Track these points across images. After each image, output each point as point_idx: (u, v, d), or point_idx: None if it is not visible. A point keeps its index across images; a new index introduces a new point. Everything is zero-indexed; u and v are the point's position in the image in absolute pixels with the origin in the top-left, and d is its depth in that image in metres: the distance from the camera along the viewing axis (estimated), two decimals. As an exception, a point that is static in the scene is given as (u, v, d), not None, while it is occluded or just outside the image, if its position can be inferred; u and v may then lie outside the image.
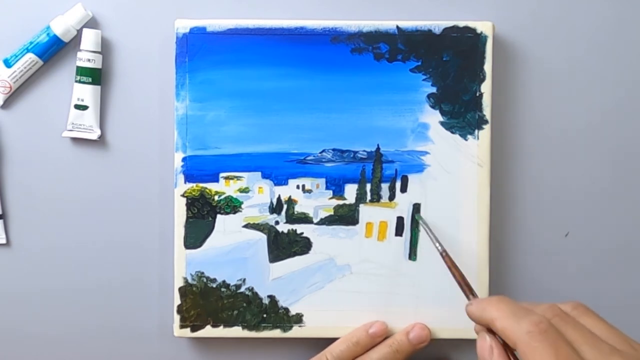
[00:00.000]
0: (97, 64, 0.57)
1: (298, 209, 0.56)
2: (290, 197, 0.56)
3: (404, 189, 0.57)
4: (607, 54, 0.59)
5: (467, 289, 0.46)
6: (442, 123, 0.56)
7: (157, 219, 0.58)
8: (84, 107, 0.57)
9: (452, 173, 0.56)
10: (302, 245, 0.57)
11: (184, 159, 0.56)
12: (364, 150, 0.56)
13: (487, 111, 0.56)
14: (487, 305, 0.37)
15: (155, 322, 0.59)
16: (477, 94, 0.56)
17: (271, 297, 0.56)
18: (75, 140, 0.58)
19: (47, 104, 0.58)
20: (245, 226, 0.57)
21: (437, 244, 0.52)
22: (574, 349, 0.34)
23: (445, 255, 0.50)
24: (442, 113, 0.56)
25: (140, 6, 0.58)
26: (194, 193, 0.56)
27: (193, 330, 0.56)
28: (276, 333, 0.57)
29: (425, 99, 0.56)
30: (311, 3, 0.58)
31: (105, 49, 0.58)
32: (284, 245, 0.57)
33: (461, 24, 0.56)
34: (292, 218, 0.57)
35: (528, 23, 0.58)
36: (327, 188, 0.57)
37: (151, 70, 0.58)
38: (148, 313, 0.59)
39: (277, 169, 0.56)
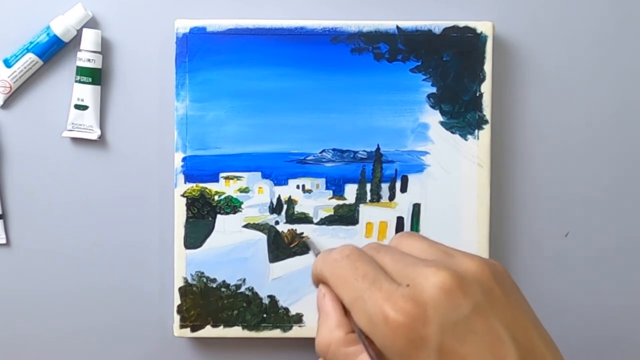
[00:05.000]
0: (97, 64, 0.57)
1: (298, 209, 0.56)
2: (290, 197, 0.56)
3: (404, 189, 0.57)
4: (607, 54, 0.59)
5: None
6: (442, 123, 0.56)
7: (157, 219, 0.58)
8: (84, 107, 0.57)
9: (452, 173, 0.56)
10: (302, 245, 0.57)
11: (184, 159, 0.56)
12: (364, 150, 0.56)
13: (487, 111, 0.56)
14: (315, 261, 0.36)
15: (155, 322, 0.59)
16: (477, 94, 0.56)
17: (271, 297, 0.56)
18: (75, 140, 0.58)
19: (47, 104, 0.58)
20: (245, 226, 0.57)
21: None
22: (376, 266, 0.32)
23: None
24: (442, 113, 0.56)
25: (140, 6, 0.58)
26: (194, 193, 0.56)
27: (193, 330, 0.56)
28: (276, 333, 0.57)
29: (425, 99, 0.56)
30: (311, 3, 0.58)
31: (105, 49, 0.58)
32: (284, 245, 0.57)
33: (461, 24, 0.56)
34: (292, 218, 0.57)
35: (528, 23, 0.58)
36: (327, 188, 0.57)
37: (151, 70, 0.58)
38: (148, 313, 0.59)
39: (277, 169, 0.56)
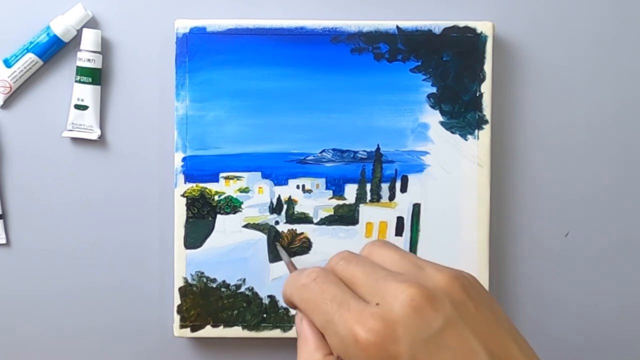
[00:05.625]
0: (97, 64, 0.57)
1: (298, 209, 0.57)
2: (290, 197, 0.56)
3: (404, 189, 0.57)
4: (607, 53, 0.59)
5: None
6: (442, 123, 0.56)
7: (157, 219, 0.58)
8: (84, 107, 0.57)
9: (452, 173, 0.56)
10: (302, 245, 0.57)
11: (184, 159, 0.56)
12: (364, 150, 0.56)
13: (487, 111, 0.56)
14: (284, 284, 0.36)
15: (155, 322, 0.59)
16: (477, 94, 0.56)
17: (271, 297, 0.57)
18: (75, 140, 0.58)
19: (47, 104, 0.58)
20: (245, 226, 0.57)
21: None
22: (344, 287, 0.32)
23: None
24: (442, 113, 0.56)
25: (140, 6, 0.58)
26: (194, 193, 0.56)
27: (193, 330, 0.56)
28: (276, 333, 0.57)
29: (425, 99, 0.56)
30: (311, 3, 0.58)
31: (105, 49, 0.58)
32: (284, 246, 0.57)
33: (461, 24, 0.56)
34: (292, 218, 0.57)
35: (528, 23, 0.58)
36: (327, 188, 0.57)
37: (151, 70, 0.58)
38: (148, 313, 0.59)
39: (277, 169, 0.56)
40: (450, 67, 0.56)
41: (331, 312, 0.31)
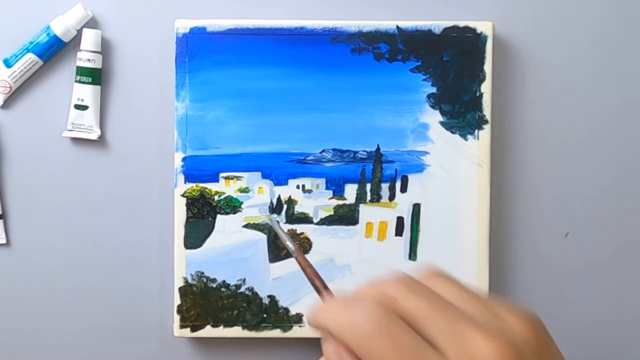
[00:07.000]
0: (97, 64, 0.57)
1: (298, 209, 0.57)
2: (290, 197, 0.56)
3: (404, 189, 0.57)
4: (607, 53, 0.59)
5: (322, 288, 0.39)
6: (442, 123, 0.56)
7: (157, 219, 0.58)
8: (84, 107, 0.57)
9: (452, 173, 0.56)
10: (302, 245, 0.57)
11: (184, 159, 0.56)
12: (364, 150, 0.56)
13: (487, 111, 0.56)
14: (319, 309, 0.32)
15: (155, 322, 0.59)
16: (477, 94, 0.56)
17: (271, 297, 0.57)
18: (75, 140, 0.58)
19: (47, 104, 0.58)
20: (245, 226, 0.57)
21: (289, 243, 0.47)
22: (415, 335, 0.28)
23: (298, 254, 0.43)
24: (442, 113, 0.56)
25: (140, 6, 0.58)
26: (194, 193, 0.56)
27: (193, 330, 0.56)
28: (276, 333, 0.57)
29: (425, 99, 0.56)
30: (311, 3, 0.58)
31: (105, 49, 0.58)
32: (284, 245, 0.57)
33: (461, 24, 0.56)
34: (292, 218, 0.57)
35: (528, 23, 0.58)
36: (327, 188, 0.57)
37: (151, 70, 0.58)
38: (148, 313, 0.59)
39: (277, 169, 0.56)
40: (450, 67, 0.56)
41: None
